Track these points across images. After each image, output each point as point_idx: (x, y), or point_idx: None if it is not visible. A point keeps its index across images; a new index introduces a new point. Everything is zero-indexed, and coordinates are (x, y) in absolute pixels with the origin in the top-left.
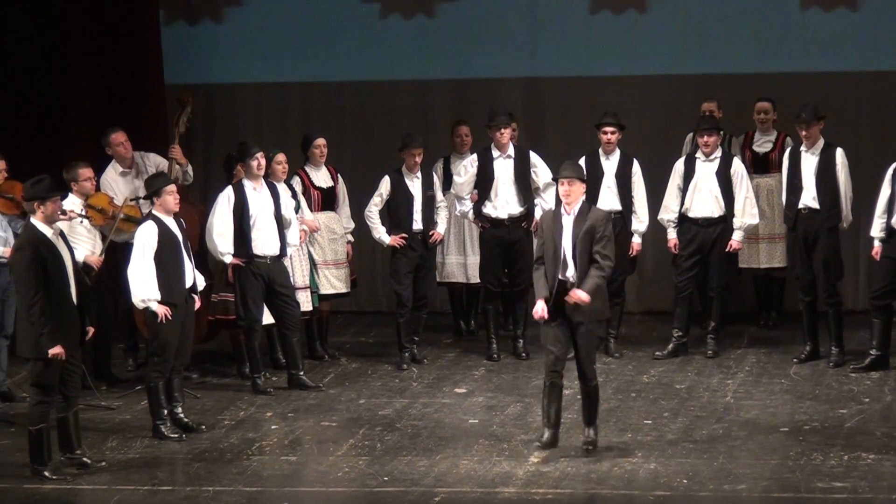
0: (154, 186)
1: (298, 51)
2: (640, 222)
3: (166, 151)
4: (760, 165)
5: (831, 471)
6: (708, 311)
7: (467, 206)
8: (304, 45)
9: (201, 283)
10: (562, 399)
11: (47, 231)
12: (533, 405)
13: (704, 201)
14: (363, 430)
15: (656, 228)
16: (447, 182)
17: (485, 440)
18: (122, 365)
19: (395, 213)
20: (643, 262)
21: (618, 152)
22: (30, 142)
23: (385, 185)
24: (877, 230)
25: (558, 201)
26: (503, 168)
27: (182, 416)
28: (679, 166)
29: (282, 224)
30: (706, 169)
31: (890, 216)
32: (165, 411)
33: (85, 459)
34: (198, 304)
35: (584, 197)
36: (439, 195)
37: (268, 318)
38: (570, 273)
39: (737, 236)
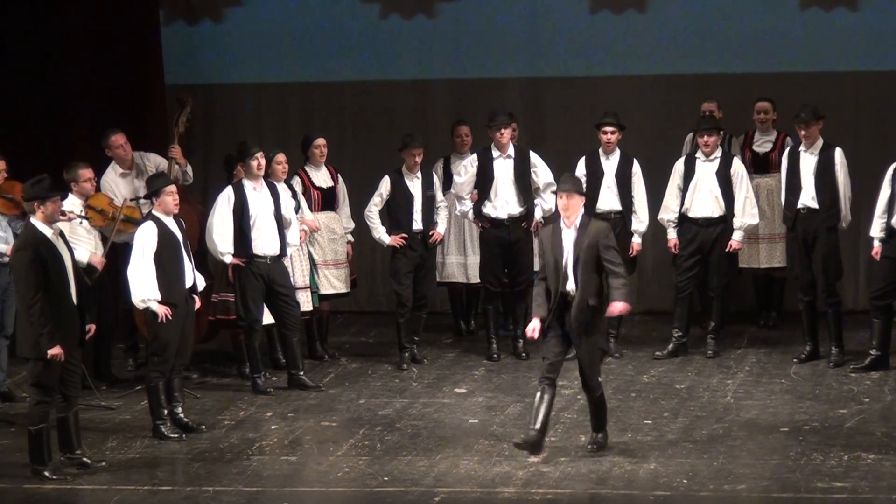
0: (153, 187)
1: (298, 51)
2: (640, 222)
3: (166, 151)
4: (760, 165)
5: (831, 471)
6: (708, 311)
7: (467, 205)
8: (304, 45)
9: (201, 284)
10: (552, 407)
11: (47, 231)
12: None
13: (704, 201)
14: (363, 430)
15: (656, 228)
16: (447, 182)
17: (485, 440)
18: (122, 365)
19: (395, 213)
20: (643, 262)
21: (618, 152)
22: (30, 142)
23: (385, 185)
24: (877, 230)
25: (557, 214)
26: (503, 168)
27: (182, 416)
28: (679, 166)
29: (282, 224)
30: (706, 169)
31: (890, 216)
32: (165, 411)
33: (85, 459)
34: (198, 305)
35: (582, 210)
36: (439, 195)
37: (268, 318)
38: (570, 286)
39: (737, 236)
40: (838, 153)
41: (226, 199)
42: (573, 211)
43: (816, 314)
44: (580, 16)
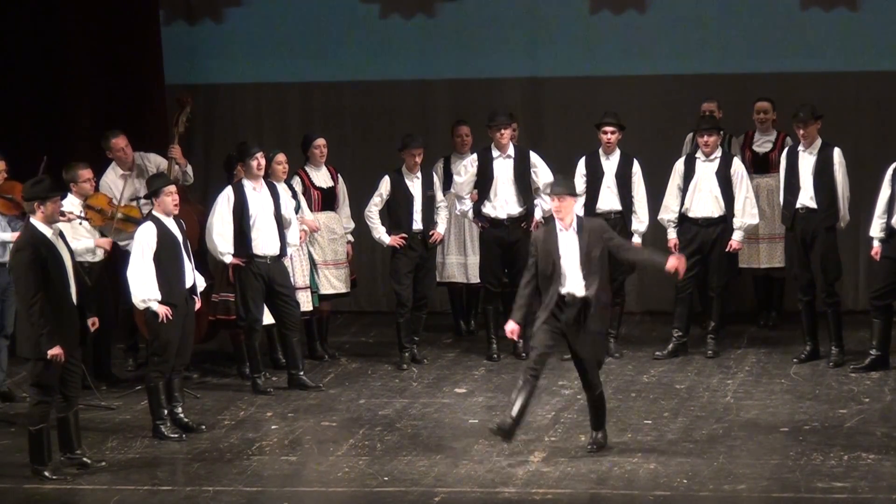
0: (153, 187)
1: (298, 51)
2: (640, 222)
3: (166, 151)
4: (760, 165)
5: (831, 471)
6: (708, 311)
7: (467, 205)
8: (304, 45)
9: (201, 284)
10: (530, 400)
11: (47, 231)
12: (533, 405)
13: (704, 201)
14: (363, 430)
15: (656, 228)
16: (447, 182)
17: (485, 440)
18: (122, 365)
19: (395, 213)
20: None
21: (618, 152)
22: (30, 142)
23: (385, 185)
24: (876, 230)
25: (550, 217)
26: (503, 168)
27: (182, 416)
28: (679, 166)
29: (282, 224)
30: (706, 169)
31: (890, 216)
32: (165, 411)
33: (85, 459)
34: (198, 305)
35: (574, 211)
36: (439, 195)
37: (268, 319)
38: (570, 288)
39: (737, 236)
40: (837, 153)
41: (226, 199)
42: (566, 213)
43: (816, 314)
44: (580, 16)
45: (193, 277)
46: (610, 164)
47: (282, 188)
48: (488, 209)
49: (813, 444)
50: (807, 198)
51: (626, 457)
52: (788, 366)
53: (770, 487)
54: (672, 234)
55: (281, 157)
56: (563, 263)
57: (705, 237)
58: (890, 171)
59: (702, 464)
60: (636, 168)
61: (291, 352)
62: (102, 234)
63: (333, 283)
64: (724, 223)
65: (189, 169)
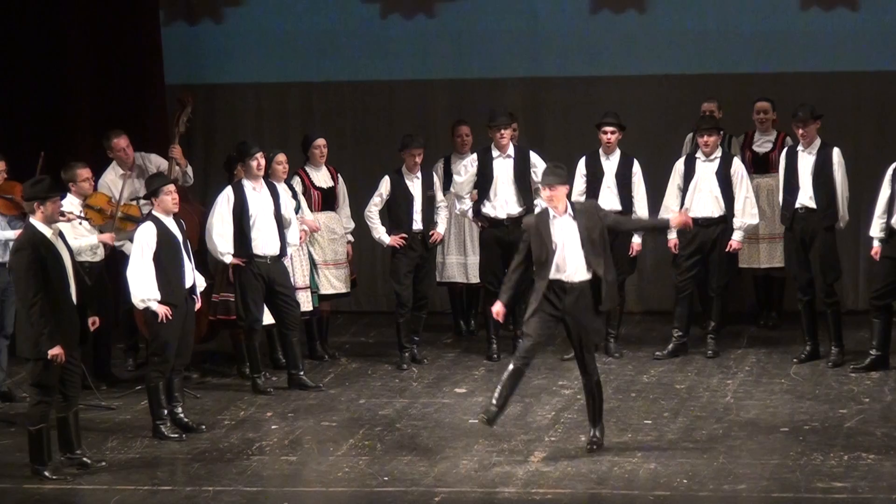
0: (152, 187)
1: (298, 51)
2: None
3: (166, 151)
4: (760, 165)
5: (831, 471)
6: (708, 311)
7: (467, 204)
8: (304, 45)
9: (202, 284)
10: (516, 386)
11: (47, 231)
12: (533, 405)
13: (704, 201)
14: (363, 430)
15: None
16: (447, 182)
17: (485, 440)
18: (122, 365)
19: (395, 213)
20: (643, 262)
21: (618, 152)
22: (30, 142)
23: (385, 186)
24: (876, 230)
25: (544, 208)
26: (503, 168)
27: (182, 416)
28: (679, 166)
29: (282, 224)
30: (706, 169)
31: (890, 216)
32: (165, 411)
33: (85, 459)
34: (198, 305)
35: (566, 198)
36: (439, 195)
37: (268, 319)
38: (572, 272)
39: (737, 236)
40: (836, 153)
41: (225, 199)
42: (559, 200)
43: (816, 314)
44: (580, 16)
45: (193, 277)
46: (610, 164)
47: (282, 188)
48: (488, 209)
49: (813, 444)
50: (806, 198)
51: (626, 457)
52: (788, 366)
53: (770, 487)
54: (672, 234)
55: (281, 157)
56: (561, 250)
57: (705, 237)
58: (890, 171)
59: (702, 464)
60: (636, 168)
61: (291, 352)
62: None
63: (333, 283)
64: (724, 223)
65: (189, 170)
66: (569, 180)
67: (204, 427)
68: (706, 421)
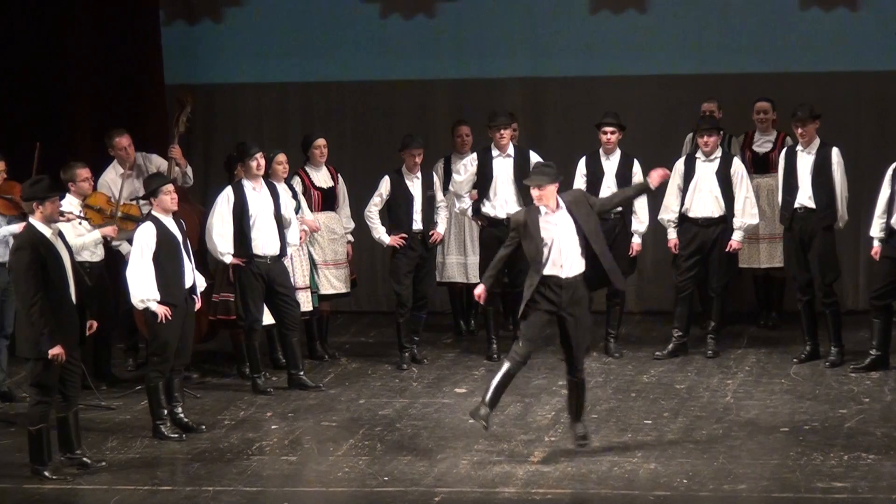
0: (151, 187)
1: (298, 51)
2: (640, 222)
3: (166, 151)
4: (760, 165)
5: (831, 471)
6: (708, 311)
7: (466, 202)
8: (304, 45)
9: (202, 284)
10: (508, 385)
11: (46, 231)
12: (533, 405)
13: (704, 201)
14: (363, 430)
15: (656, 228)
16: (448, 182)
17: (485, 440)
18: (122, 365)
19: (395, 213)
20: (643, 262)
21: (618, 152)
22: (30, 142)
23: (385, 186)
24: (876, 230)
25: (532, 204)
26: (502, 167)
27: (182, 416)
28: (679, 166)
29: (282, 224)
30: (706, 169)
31: (890, 216)
32: (165, 411)
33: (85, 459)
34: (198, 305)
35: (556, 194)
36: (439, 195)
37: (268, 319)
38: (568, 268)
39: (737, 236)
40: (835, 152)
41: (225, 199)
42: (549, 198)
43: (815, 313)
44: (580, 16)
45: (193, 277)
46: (610, 164)
47: (282, 188)
48: (488, 208)
49: (813, 444)
50: (805, 197)
51: (626, 457)
52: (788, 366)
53: (770, 487)
54: (672, 234)
55: (281, 157)
56: (557, 246)
57: (705, 237)
58: (890, 171)
59: (702, 464)
60: (636, 168)
61: (291, 352)
62: None
63: (333, 283)
64: (724, 223)
65: (189, 170)
66: (558, 177)
67: (204, 427)
68: (706, 421)
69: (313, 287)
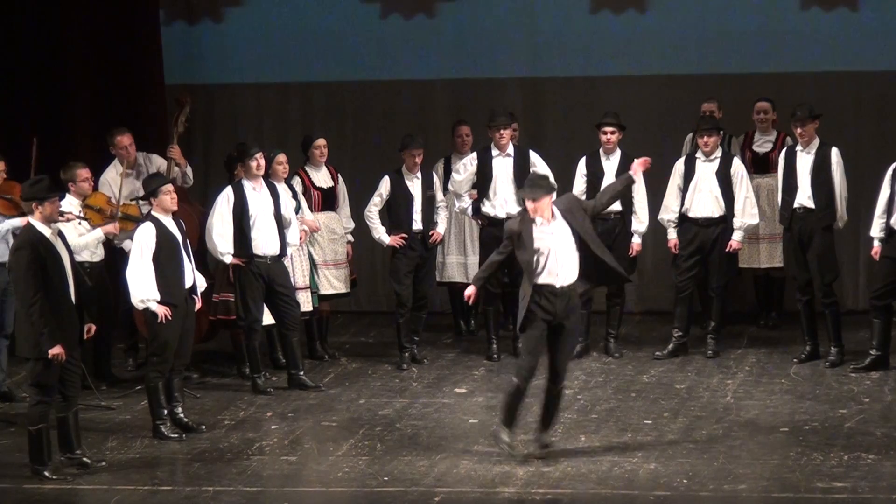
0: (150, 187)
1: (298, 51)
2: (640, 222)
3: (166, 152)
4: (760, 165)
5: (831, 471)
6: (708, 311)
7: (466, 202)
8: (304, 45)
9: (202, 284)
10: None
11: (46, 231)
12: (533, 405)
13: (704, 201)
14: (363, 430)
15: (656, 228)
16: (448, 182)
17: (485, 440)
18: (122, 365)
19: (395, 213)
20: (643, 262)
21: (618, 152)
22: (30, 142)
23: (385, 186)
24: (876, 230)
25: (526, 213)
26: (502, 166)
27: (182, 416)
28: (679, 166)
29: (282, 224)
30: (706, 169)
31: (889, 216)
32: (165, 411)
33: (85, 459)
34: (198, 305)
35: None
36: (439, 195)
37: (268, 319)
38: (563, 277)
39: (737, 236)
40: (834, 152)
41: (225, 199)
42: (545, 209)
43: (815, 313)
44: (580, 16)
45: (193, 277)
46: (610, 165)
47: (282, 188)
48: (487, 208)
49: (813, 444)
50: (804, 197)
51: (626, 457)
52: (788, 366)
53: (770, 487)
54: (672, 235)
55: (281, 157)
56: (553, 255)
57: (705, 237)
58: (890, 171)
59: (702, 464)
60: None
61: (291, 352)
62: None
63: (333, 283)
64: (724, 223)
65: (189, 170)
66: (553, 189)
67: (204, 427)
68: (706, 421)
69: (313, 287)
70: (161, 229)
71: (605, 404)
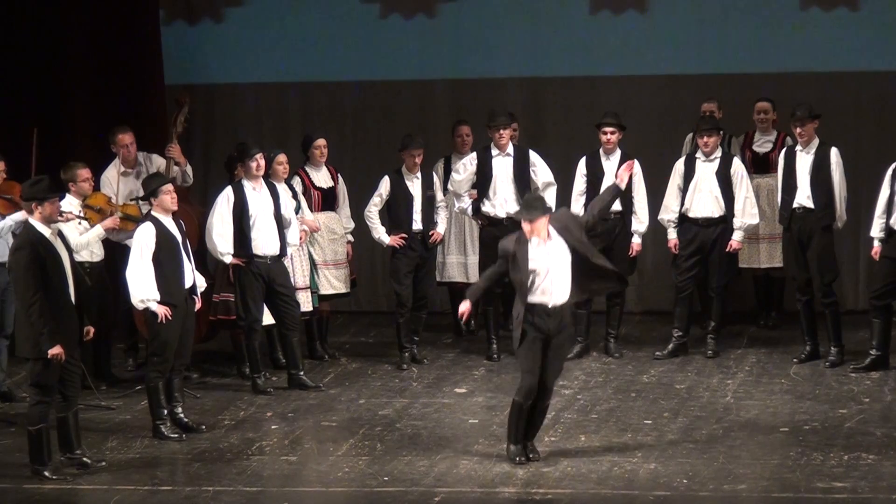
0: (150, 187)
1: (298, 51)
2: (640, 223)
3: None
4: (760, 165)
5: (831, 471)
6: (708, 311)
7: (465, 202)
8: (304, 45)
9: (202, 284)
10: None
11: (45, 231)
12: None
13: (704, 201)
14: (363, 430)
15: (656, 228)
16: (448, 182)
17: (485, 440)
18: (122, 365)
19: (395, 213)
20: (643, 262)
21: (618, 152)
22: (29, 142)
23: (385, 186)
24: (876, 230)
25: (515, 225)
26: (502, 166)
27: (182, 416)
28: (679, 166)
29: (282, 224)
30: (706, 169)
31: (889, 216)
32: (165, 411)
33: (85, 459)
34: (198, 305)
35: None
36: (439, 195)
37: (268, 319)
38: (557, 296)
39: (737, 236)
40: (834, 152)
41: (225, 199)
42: (541, 229)
43: (815, 313)
44: (580, 16)
45: (193, 277)
46: (610, 165)
47: (282, 188)
48: (487, 208)
49: (813, 444)
50: (803, 197)
51: (626, 457)
52: (788, 366)
53: (770, 487)
54: (672, 235)
55: (282, 157)
56: (547, 275)
57: (705, 237)
58: (890, 171)
59: (702, 464)
60: (636, 168)
61: (291, 352)
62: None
63: (333, 283)
64: (724, 223)
65: (189, 168)
66: (548, 210)
67: (204, 427)
68: (706, 421)
69: (313, 287)
70: (161, 229)
71: (605, 404)
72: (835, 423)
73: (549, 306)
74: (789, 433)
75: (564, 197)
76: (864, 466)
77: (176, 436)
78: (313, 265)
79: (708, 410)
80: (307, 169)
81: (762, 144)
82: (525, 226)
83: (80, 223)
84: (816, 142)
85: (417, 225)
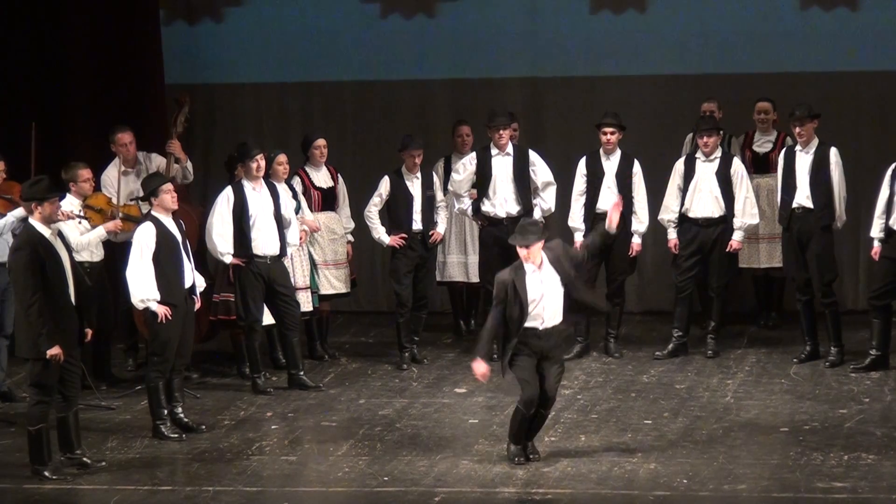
0: (150, 187)
1: (298, 51)
2: (640, 223)
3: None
4: (760, 165)
5: (831, 471)
6: (708, 311)
7: (465, 202)
8: (304, 45)
9: (201, 284)
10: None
11: (45, 231)
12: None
13: (704, 201)
14: (363, 430)
15: (656, 228)
16: (448, 182)
17: (485, 440)
18: (122, 365)
19: (395, 213)
20: (643, 262)
21: (618, 152)
22: (29, 142)
23: (385, 186)
24: (876, 230)
25: (518, 262)
26: (501, 166)
27: (182, 416)
28: (679, 166)
29: (282, 224)
30: (706, 169)
31: (889, 216)
32: (165, 411)
33: (85, 459)
34: (198, 305)
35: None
36: (439, 195)
37: (268, 319)
38: (550, 319)
39: (737, 236)
40: (833, 152)
41: (225, 199)
42: (536, 255)
43: (815, 313)
44: (580, 16)
45: (193, 277)
46: (610, 165)
47: (282, 188)
48: (487, 207)
49: (813, 444)
50: (803, 197)
51: (626, 457)
52: (788, 366)
53: (770, 487)
54: (672, 235)
55: (282, 157)
56: (541, 301)
57: (705, 237)
58: (890, 171)
59: (702, 464)
60: (636, 168)
61: (291, 352)
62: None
63: (333, 283)
64: (724, 223)
65: (189, 165)
66: (543, 235)
67: (204, 427)
68: (706, 421)
69: (313, 287)
70: (161, 229)
71: (605, 404)
72: (835, 423)
73: (540, 329)
74: (789, 433)
75: (564, 197)
76: (864, 466)
77: (176, 436)
78: (313, 265)
79: (708, 410)
80: (307, 169)
81: (762, 144)
82: (521, 251)
83: (80, 223)
84: (816, 142)
85: (417, 225)
